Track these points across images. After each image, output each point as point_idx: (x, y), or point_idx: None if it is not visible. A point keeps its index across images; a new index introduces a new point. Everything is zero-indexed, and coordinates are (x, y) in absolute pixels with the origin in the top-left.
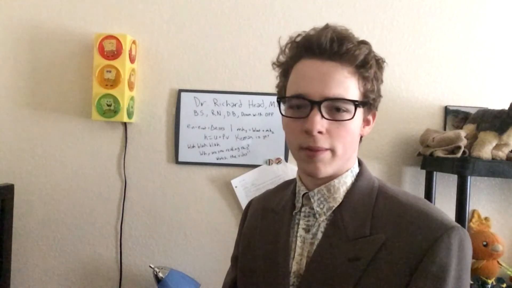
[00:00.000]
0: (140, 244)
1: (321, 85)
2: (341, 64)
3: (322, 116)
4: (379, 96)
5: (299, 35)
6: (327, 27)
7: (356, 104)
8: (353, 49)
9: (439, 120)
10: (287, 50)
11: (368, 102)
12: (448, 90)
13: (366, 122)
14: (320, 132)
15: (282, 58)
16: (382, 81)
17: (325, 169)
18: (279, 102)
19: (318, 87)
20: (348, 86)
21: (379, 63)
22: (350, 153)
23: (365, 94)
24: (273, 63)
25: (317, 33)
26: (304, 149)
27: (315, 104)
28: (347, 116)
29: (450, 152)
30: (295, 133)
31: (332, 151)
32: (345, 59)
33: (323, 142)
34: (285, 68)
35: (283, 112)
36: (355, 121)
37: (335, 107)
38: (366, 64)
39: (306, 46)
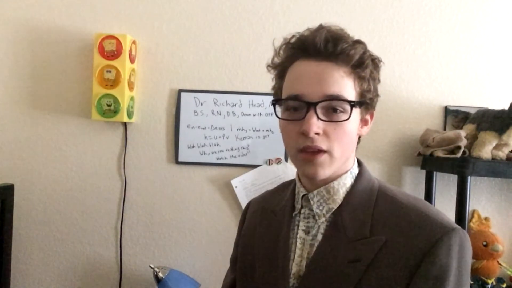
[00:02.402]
0: (140, 244)
1: (317, 85)
2: (336, 64)
3: (318, 118)
4: (377, 95)
5: (293, 36)
6: (321, 27)
7: (352, 104)
8: (348, 49)
9: (439, 120)
10: (281, 52)
11: (365, 102)
12: (448, 90)
13: (364, 122)
14: (317, 134)
15: (276, 60)
16: (379, 80)
17: (324, 172)
18: (274, 105)
19: (314, 87)
20: (344, 86)
21: (375, 62)
22: (348, 154)
23: (361, 94)
24: (268, 65)
25: (311, 34)
26: (302, 152)
27: (311, 105)
28: (343, 116)
29: (450, 152)
30: (292, 135)
31: (330, 153)
32: (340, 59)
33: (320, 142)
34: (280, 70)
35: (279, 115)
36: (352, 121)
37: (331, 108)
38: (362, 64)
39: (300, 47)
